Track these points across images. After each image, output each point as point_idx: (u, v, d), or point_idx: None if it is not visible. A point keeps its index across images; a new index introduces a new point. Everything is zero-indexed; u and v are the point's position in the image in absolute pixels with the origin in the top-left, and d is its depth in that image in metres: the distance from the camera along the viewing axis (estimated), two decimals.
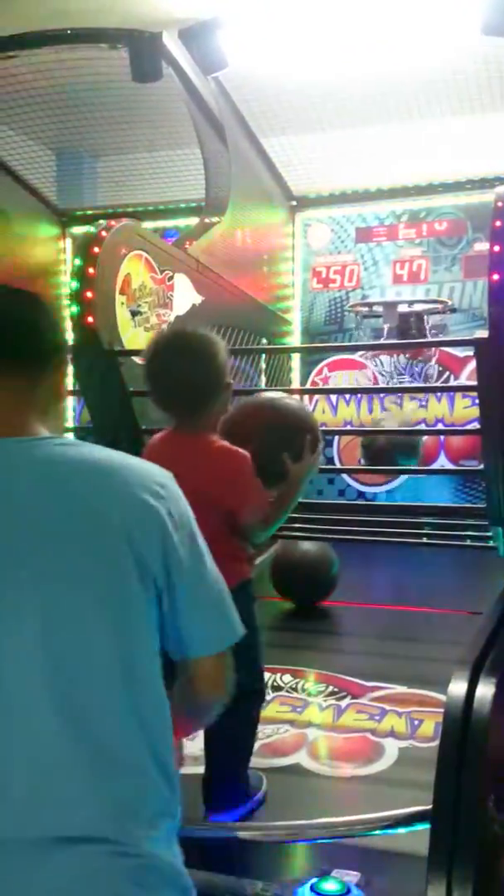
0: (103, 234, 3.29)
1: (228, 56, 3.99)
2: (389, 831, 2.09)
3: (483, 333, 2.88)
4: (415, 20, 4.24)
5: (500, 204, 2.67)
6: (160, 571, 1.22)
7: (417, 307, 5.00)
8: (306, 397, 5.47)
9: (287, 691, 3.34)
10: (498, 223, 2.70)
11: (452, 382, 5.12)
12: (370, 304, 5.18)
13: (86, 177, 6.97)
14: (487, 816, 1.99)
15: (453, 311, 5.09)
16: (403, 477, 5.39)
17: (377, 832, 2.11)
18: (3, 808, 1.11)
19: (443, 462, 5.26)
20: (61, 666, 1.14)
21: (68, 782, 1.13)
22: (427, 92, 4.89)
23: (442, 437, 5.25)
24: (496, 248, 2.73)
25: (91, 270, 3.22)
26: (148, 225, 4.77)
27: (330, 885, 2.06)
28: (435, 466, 5.19)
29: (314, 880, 2.08)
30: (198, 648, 1.29)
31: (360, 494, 5.28)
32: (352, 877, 2.16)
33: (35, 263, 5.91)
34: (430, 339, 5.01)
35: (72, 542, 1.17)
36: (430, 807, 1.94)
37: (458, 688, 2.08)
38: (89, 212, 6.22)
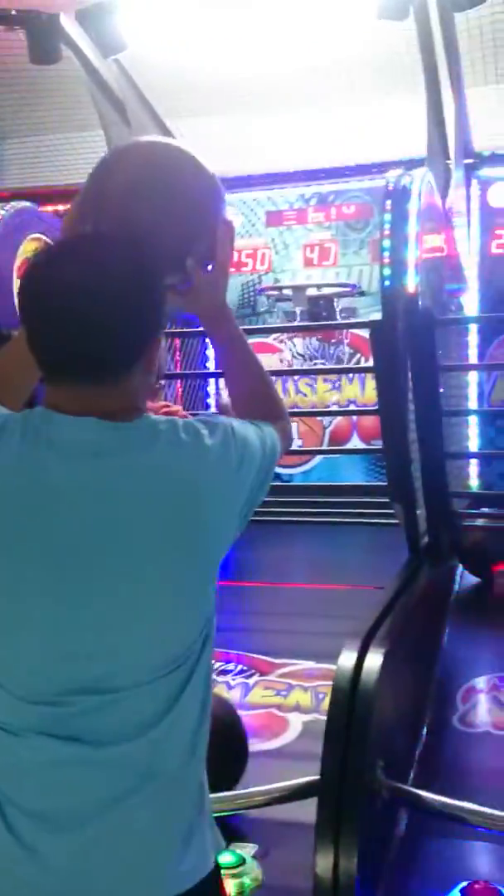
0: None
1: (128, 38, 3.96)
2: (283, 804, 2.15)
3: (377, 316, 2.95)
4: (314, 5, 4.27)
5: (390, 187, 2.73)
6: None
7: (326, 291, 5.05)
8: (222, 381, 5.50)
9: None
10: (388, 205, 2.76)
11: (362, 364, 5.19)
12: (280, 288, 5.22)
13: None
14: (375, 783, 2.06)
15: (362, 294, 5.16)
16: (319, 457, 5.46)
17: (270, 804, 2.16)
18: None
19: (356, 443, 5.35)
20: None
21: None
22: (328, 77, 4.94)
23: (354, 419, 5.33)
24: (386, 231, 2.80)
25: None
26: (57, 208, 4.70)
27: (225, 858, 2.10)
28: (348, 447, 5.27)
29: None
30: None
31: (277, 476, 5.33)
32: (249, 849, 2.21)
33: None
34: (332, 321, 5.07)
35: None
36: (318, 777, 2.00)
37: (346, 659, 2.15)
38: None
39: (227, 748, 2.44)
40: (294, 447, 5.16)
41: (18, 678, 1.20)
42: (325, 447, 5.27)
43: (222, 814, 2.26)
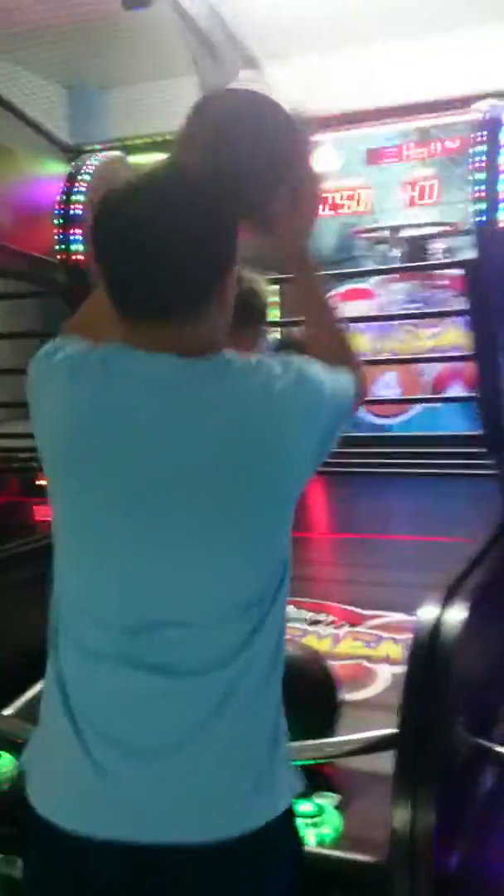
0: (85, 169, 3.24)
1: None
2: (361, 755, 2.12)
3: (472, 255, 2.81)
4: None
5: (480, 118, 2.57)
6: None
7: (424, 231, 4.86)
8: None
9: (287, 621, 3.38)
10: (481, 137, 2.61)
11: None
12: (376, 230, 5.05)
13: (94, 111, 6.88)
14: (456, 738, 2.01)
15: (466, 233, 4.93)
16: (418, 406, 5.32)
17: (348, 756, 2.14)
18: None
19: (458, 390, 5.16)
20: None
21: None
22: (427, 8, 4.70)
23: (456, 365, 5.14)
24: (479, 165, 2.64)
25: (75, 207, 3.19)
26: (152, 158, 4.67)
27: (305, 807, 2.10)
28: (445, 395, 5.10)
29: None
30: None
31: (374, 426, 5.23)
32: (330, 799, 2.20)
33: (44, 203, 5.86)
34: (427, 263, 4.87)
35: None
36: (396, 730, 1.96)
37: (427, 611, 2.08)
38: (97, 146, 6.13)
39: (320, 699, 2.44)
40: (391, 395, 5.07)
41: (101, 607, 1.24)
42: (423, 395, 5.11)
43: (302, 763, 2.27)
